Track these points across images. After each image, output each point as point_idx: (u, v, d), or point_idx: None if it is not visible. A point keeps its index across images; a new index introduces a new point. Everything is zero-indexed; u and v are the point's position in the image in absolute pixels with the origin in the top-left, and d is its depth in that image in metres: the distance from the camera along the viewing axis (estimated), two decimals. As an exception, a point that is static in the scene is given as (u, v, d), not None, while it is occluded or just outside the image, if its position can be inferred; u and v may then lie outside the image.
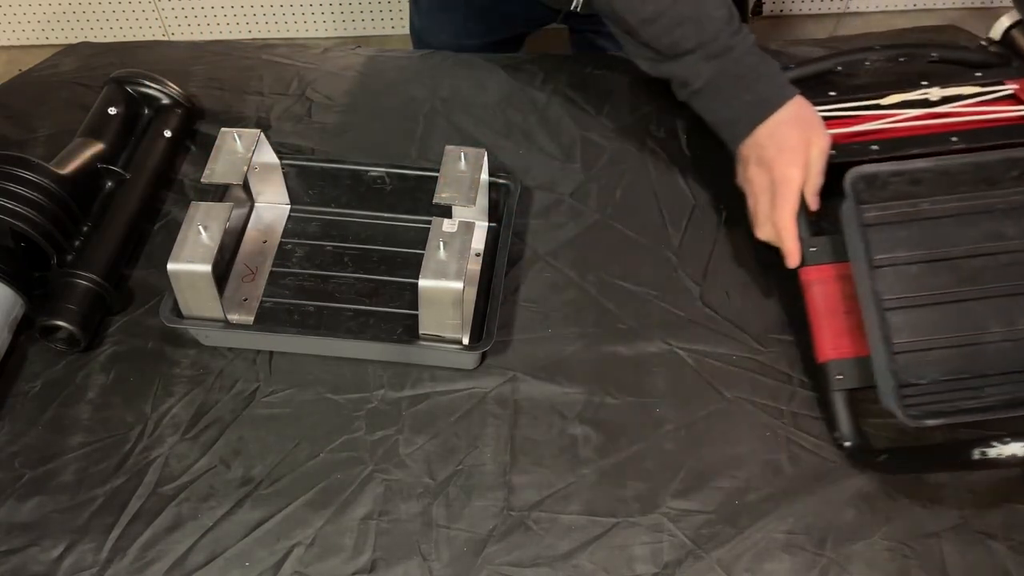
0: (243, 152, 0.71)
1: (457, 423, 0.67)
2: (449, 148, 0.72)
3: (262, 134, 0.72)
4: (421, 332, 0.67)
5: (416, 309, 0.66)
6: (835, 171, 0.69)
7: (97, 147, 0.79)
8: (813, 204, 0.69)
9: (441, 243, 0.63)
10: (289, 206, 0.80)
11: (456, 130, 0.88)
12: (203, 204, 0.67)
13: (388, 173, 0.77)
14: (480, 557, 0.60)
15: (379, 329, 0.71)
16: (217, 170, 0.70)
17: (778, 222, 0.69)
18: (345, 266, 0.76)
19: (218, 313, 0.67)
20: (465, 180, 0.70)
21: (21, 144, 0.87)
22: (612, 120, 0.89)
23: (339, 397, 0.68)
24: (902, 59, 0.82)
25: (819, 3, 2.07)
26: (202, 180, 0.70)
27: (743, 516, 0.62)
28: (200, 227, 0.64)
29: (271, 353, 0.71)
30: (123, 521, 0.62)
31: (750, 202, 0.73)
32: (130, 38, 2.04)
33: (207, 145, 0.87)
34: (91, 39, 1.33)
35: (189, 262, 0.63)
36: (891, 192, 0.66)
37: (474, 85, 0.93)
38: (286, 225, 0.79)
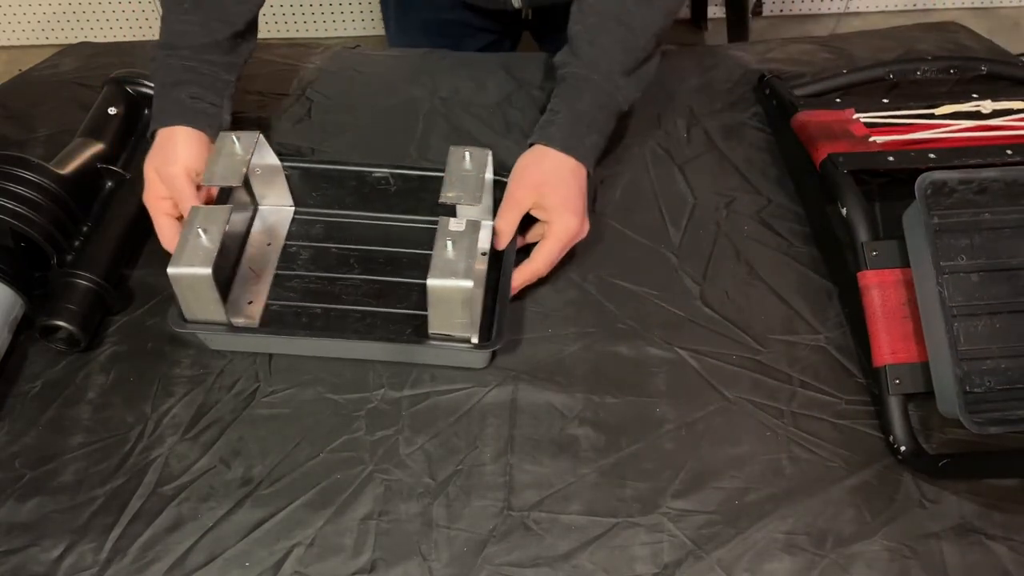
0: (242, 154, 0.70)
1: (457, 423, 0.67)
2: (453, 148, 0.72)
3: (261, 136, 0.72)
4: (431, 332, 0.67)
5: (424, 309, 0.65)
6: (893, 178, 0.69)
7: (97, 147, 0.79)
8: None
9: (449, 242, 0.63)
10: (293, 208, 0.79)
11: (456, 130, 0.88)
12: (203, 207, 0.66)
13: (392, 174, 0.77)
14: (480, 557, 0.60)
15: (387, 330, 0.71)
16: (216, 173, 0.69)
17: None
18: (351, 268, 0.75)
19: (221, 316, 0.67)
20: (471, 179, 0.70)
21: (21, 144, 0.87)
22: (612, 120, 0.88)
23: (339, 397, 0.68)
24: (952, 71, 0.84)
25: (819, 3, 2.07)
26: (202, 183, 0.70)
27: (743, 516, 0.62)
28: (200, 230, 0.64)
29: (271, 353, 0.71)
30: (123, 521, 0.61)
31: None
32: (130, 38, 2.04)
33: (207, 145, 0.87)
34: (91, 39, 1.33)
35: (189, 265, 0.63)
36: (955, 200, 0.67)
37: (474, 85, 0.93)
38: (290, 227, 0.78)
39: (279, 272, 0.75)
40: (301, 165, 0.78)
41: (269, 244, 0.77)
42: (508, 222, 0.72)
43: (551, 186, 0.72)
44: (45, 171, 0.73)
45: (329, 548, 0.60)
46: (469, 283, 0.61)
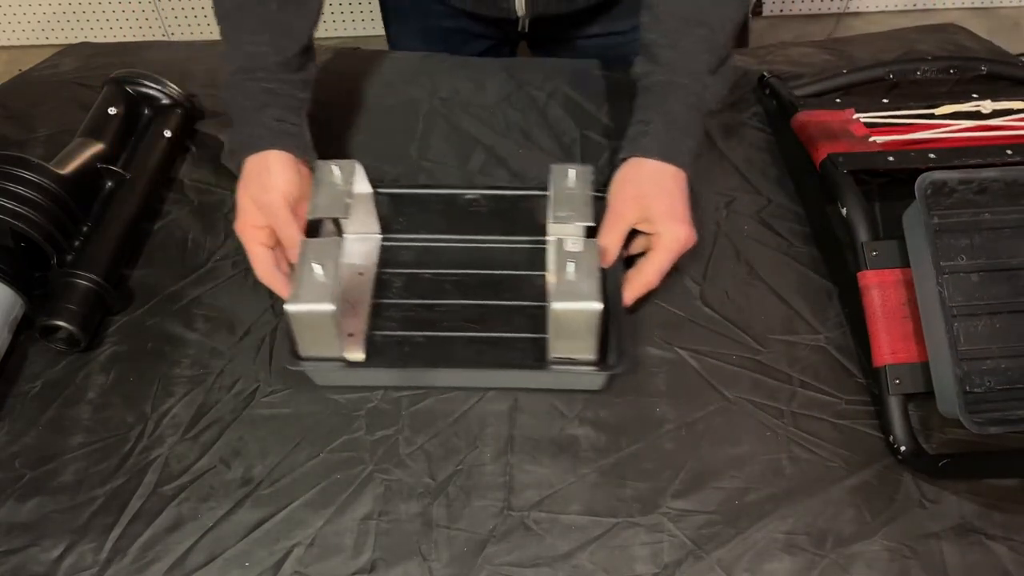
0: (343, 184, 0.68)
1: (457, 423, 0.67)
2: (555, 166, 0.70)
3: (359, 164, 0.70)
4: (553, 356, 0.64)
5: (530, 331, 0.65)
6: (893, 178, 0.69)
7: (97, 147, 0.79)
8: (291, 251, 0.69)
9: (570, 264, 0.61)
10: (380, 235, 0.76)
11: (456, 130, 0.88)
12: (312, 241, 0.64)
13: (483, 195, 0.75)
14: (480, 557, 0.60)
15: (495, 356, 0.68)
16: (320, 205, 0.67)
17: None
18: (447, 293, 0.72)
19: (338, 352, 0.65)
20: (577, 197, 0.68)
21: (21, 144, 0.87)
22: (612, 118, 0.88)
23: (339, 397, 0.68)
24: (952, 71, 0.84)
25: (819, 3, 2.07)
26: (307, 216, 0.68)
27: (743, 516, 0.62)
28: (315, 265, 0.61)
29: (271, 352, 0.71)
30: (123, 521, 0.62)
31: None
32: (130, 38, 2.04)
33: (207, 145, 0.88)
34: (91, 39, 1.33)
35: (310, 302, 0.60)
36: (955, 200, 0.67)
37: (474, 85, 0.93)
38: (380, 255, 0.75)
39: (375, 302, 0.71)
40: (390, 191, 0.75)
41: (361, 274, 0.73)
42: (613, 240, 0.70)
43: (654, 197, 0.70)
44: (45, 171, 0.73)
45: (329, 548, 0.60)
46: (598, 305, 0.60)
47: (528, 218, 0.70)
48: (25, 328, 0.72)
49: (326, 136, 0.88)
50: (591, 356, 0.64)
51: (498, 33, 1.04)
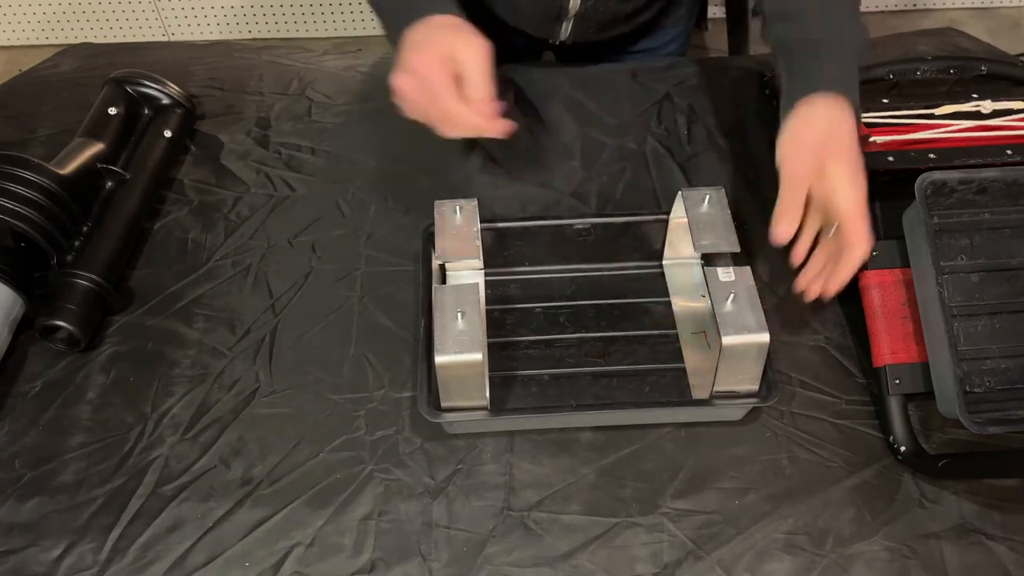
0: (465, 225, 0.67)
1: (457, 423, 0.67)
2: (686, 192, 0.68)
3: (476, 202, 0.69)
4: (716, 390, 0.63)
5: (651, 362, 0.66)
6: (893, 178, 0.69)
7: (97, 147, 0.79)
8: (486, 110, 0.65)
9: (728, 295, 0.60)
10: (483, 270, 0.72)
11: (456, 130, 0.88)
12: (446, 288, 0.62)
13: (593, 224, 0.72)
14: (480, 557, 0.60)
15: (626, 390, 0.67)
16: (448, 248, 0.66)
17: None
18: (563, 327, 0.71)
19: (483, 400, 0.63)
20: (718, 223, 0.67)
21: (21, 144, 0.87)
22: (612, 116, 0.88)
23: (339, 397, 0.68)
24: (952, 71, 0.84)
25: (819, 3, 2.06)
26: (436, 261, 0.67)
27: (743, 516, 0.62)
28: (456, 313, 0.59)
29: (271, 352, 0.71)
30: (123, 521, 0.62)
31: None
32: (130, 38, 2.04)
33: (207, 145, 0.88)
34: (91, 39, 1.33)
35: (458, 352, 0.58)
36: (955, 200, 0.67)
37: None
38: (485, 291, 0.73)
39: (491, 341, 0.69)
40: (497, 225, 0.72)
41: None
42: (793, 204, 0.64)
43: (835, 154, 0.64)
44: (45, 171, 0.73)
45: (329, 548, 0.60)
46: (767, 336, 0.59)
47: (635, 244, 0.69)
48: (25, 328, 0.72)
49: (325, 135, 0.88)
50: (755, 387, 0.63)
51: (530, 45, 1.04)
